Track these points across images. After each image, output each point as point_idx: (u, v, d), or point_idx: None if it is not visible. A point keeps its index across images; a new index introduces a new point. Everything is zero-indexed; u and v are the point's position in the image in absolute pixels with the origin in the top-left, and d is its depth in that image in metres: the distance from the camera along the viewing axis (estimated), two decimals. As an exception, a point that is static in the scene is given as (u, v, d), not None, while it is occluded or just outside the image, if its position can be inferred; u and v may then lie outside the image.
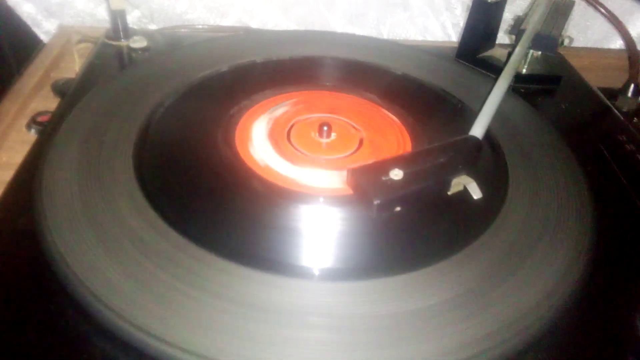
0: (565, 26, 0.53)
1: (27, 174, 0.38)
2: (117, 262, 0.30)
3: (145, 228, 0.33)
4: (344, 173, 0.37)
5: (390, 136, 0.43)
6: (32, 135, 0.48)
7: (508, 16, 0.64)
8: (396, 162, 0.35)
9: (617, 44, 0.75)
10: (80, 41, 0.59)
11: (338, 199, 0.36)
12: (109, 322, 0.28)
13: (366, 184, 0.34)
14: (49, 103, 0.52)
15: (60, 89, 0.53)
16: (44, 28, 0.65)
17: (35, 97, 0.53)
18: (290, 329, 0.28)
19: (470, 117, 0.41)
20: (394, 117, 0.46)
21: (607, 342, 0.31)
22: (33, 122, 0.49)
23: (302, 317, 0.29)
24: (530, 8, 0.56)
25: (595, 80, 0.60)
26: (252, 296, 0.29)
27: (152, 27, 0.68)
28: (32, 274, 0.31)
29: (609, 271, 0.35)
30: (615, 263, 0.36)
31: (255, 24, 0.70)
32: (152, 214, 0.33)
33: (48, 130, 0.42)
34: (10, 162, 0.43)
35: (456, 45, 0.62)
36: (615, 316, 0.32)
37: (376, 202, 0.33)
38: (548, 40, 0.52)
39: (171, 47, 0.56)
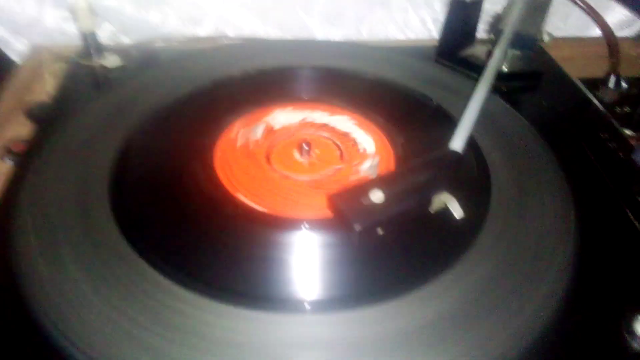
0: (544, 22, 0.53)
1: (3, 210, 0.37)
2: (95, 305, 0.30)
3: (124, 268, 0.32)
4: (326, 196, 0.36)
5: (371, 144, 0.43)
6: (7, 166, 0.47)
7: (490, 7, 0.63)
8: (376, 183, 0.35)
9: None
10: (53, 61, 0.57)
11: (321, 224, 0.36)
12: None
13: (347, 209, 0.34)
14: (21, 128, 0.51)
15: (34, 115, 0.52)
16: (15, 48, 0.64)
17: (9, 124, 0.52)
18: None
19: (449, 116, 0.40)
20: (373, 125, 0.45)
21: (593, 353, 0.31)
22: (7, 152, 0.48)
23: (282, 351, 0.29)
24: (508, 6, 0.55)
25: (578, 70, 0.60)
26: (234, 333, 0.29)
27: (126, 39, 0.67)
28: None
29: (594, 277, 0.35)
30: (600, 267, 0.36)
31: (231, 30, 0.68)
32: (133, 256, 0.33)
33: (24, 161, 0.42)
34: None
35: (437, 42, 0.61)
36: (602, 325, 0.32)
37: (357, 228, 0.33)
38: (527, 39, 0.51)
39: (145, 66, 0.55)
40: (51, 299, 0.30)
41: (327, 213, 0.36)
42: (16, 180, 0.40)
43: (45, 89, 0.55)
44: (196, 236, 0.35)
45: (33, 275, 0.31)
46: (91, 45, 0.54)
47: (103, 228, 0.34)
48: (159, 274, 0.31)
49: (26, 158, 0.42)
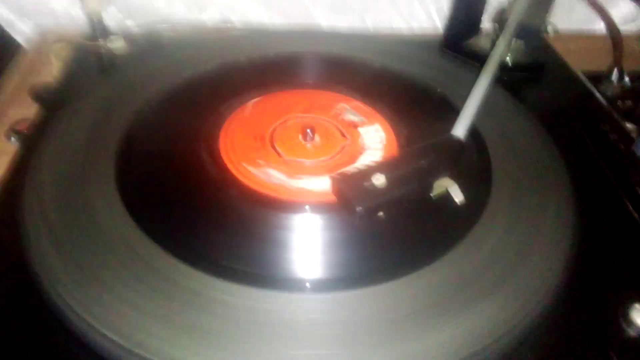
0: (548, 14, 0.53)
1: (8, 193, 0.38)
2: (101, 281, 0.30)
3: (131, 248, 0.32)
4: (329, 178, 0.37)
5: (374, 132, 0.43)
6: (12, 145, 0.47)
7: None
8: (378, 167, 0.35)
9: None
10: (57, 42, 0.58)
11: (322, 207, 0.36)
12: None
13: (349, 191, 0.34)
14: (27, 110, 0.51)
15: (38, 95, 0.52)
16: (21, 31, 0.64)
17: (15, 106, 0.52)
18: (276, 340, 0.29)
19: (453, 105, 0.40)
20: (376, 112, 0.45)
21: (590, 340, 0.32)
22: (13, 132, 0.48)
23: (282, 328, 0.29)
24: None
25: (581, 63, 0.60)
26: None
27: (130, 22, 0.67)
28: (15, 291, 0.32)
29: (593, 266, 0.36)
30: (598, 258, 0.36)
31: (236, 17, 0.68)
32: (139, 234, 0.33)
33: (29, 143, 0.42)
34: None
35: (441, 32, 0.61)
36: (600, 314, 0.33)
37: (359, 209, 0.33)
38: (531, 30, 0.51)
39: (150, 51, 0.55)
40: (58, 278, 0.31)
41: (328, 197, 0.36)
42: (21, 162, 0.41)
43: (51, 72, 0.56)
44: (203, 219, 0.36)
45: (42, 258, 0.32)
46: (97, 29, 0.55)
47: (109, 211, 0.35)
48: (166, 253, 0.32)
49: (31, 141, 0.43)
